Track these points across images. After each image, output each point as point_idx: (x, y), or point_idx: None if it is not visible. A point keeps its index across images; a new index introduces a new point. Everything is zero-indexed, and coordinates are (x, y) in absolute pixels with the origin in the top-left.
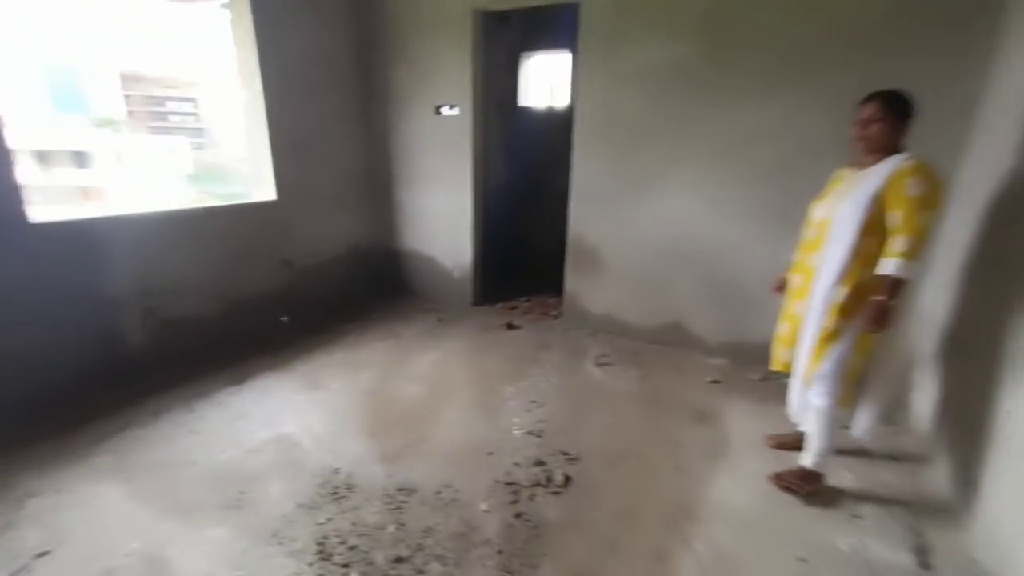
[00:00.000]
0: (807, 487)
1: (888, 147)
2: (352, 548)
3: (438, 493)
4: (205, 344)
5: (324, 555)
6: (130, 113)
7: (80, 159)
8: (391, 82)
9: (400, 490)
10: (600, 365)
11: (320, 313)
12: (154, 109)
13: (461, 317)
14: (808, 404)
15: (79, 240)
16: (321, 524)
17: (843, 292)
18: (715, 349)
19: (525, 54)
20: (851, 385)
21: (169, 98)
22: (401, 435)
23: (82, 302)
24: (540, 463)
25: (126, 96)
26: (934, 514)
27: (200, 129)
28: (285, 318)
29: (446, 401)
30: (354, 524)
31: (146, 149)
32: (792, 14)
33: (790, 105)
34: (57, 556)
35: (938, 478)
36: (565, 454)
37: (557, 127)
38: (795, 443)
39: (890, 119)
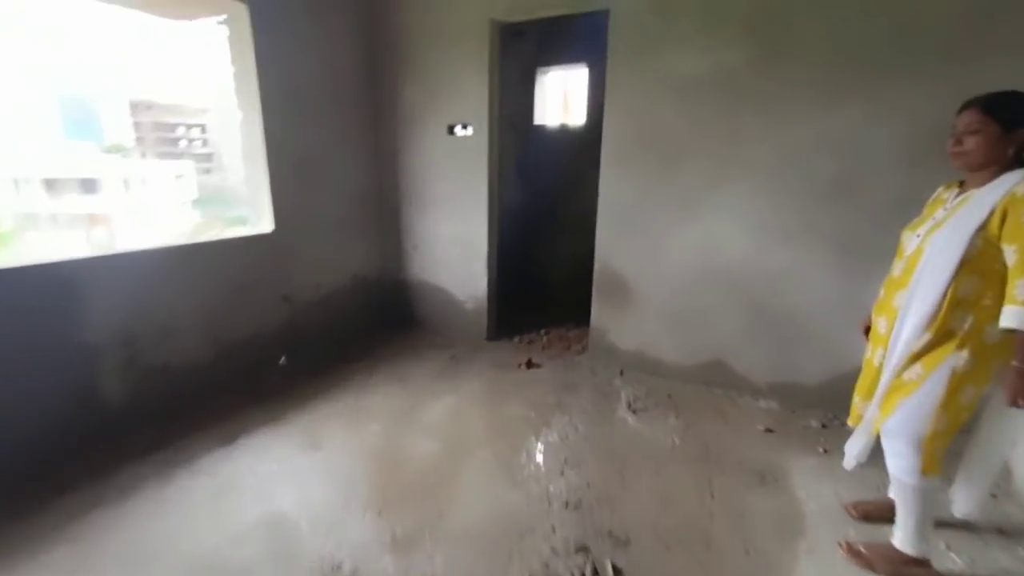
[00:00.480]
0: (904, 571)
1: (996, 163)
2: None
3: None
4: (194, 394)
5: None
6: (140, 140)
7: (88, 186)
8: (400, 100)
9: None
10: (635, 411)
11: (323, 352)
12: (164, 135)
13: (476, 354)
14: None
15: (50, 285)
16: None
17: (926, 339)
18: (763, 390)
19: (540, 70)
20: (937, 449)
21: (179, 124)
22: (415, 510)
23: (52, 353)
24: (582, 548)
25: (136, 123)
26: None
27: (209, 154)
28: (283, 359)
29: (465, 460)
30: None
31: (154, 174)
32: (856, 15)
33: (853, 117)
34: None
35: None
36: (611, 535)
37: (574, 146)
38: (883, 512)
39: (992, 129)
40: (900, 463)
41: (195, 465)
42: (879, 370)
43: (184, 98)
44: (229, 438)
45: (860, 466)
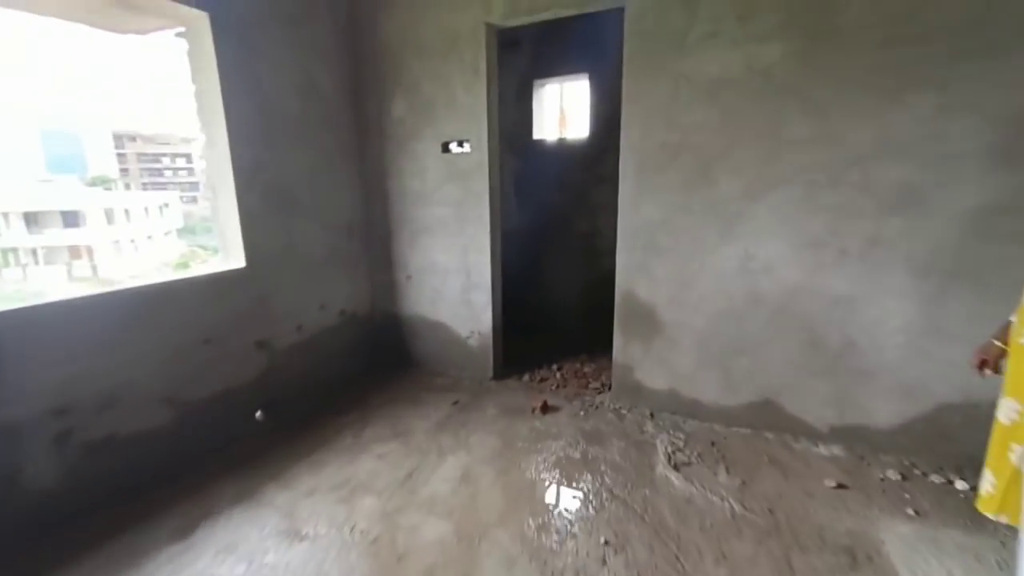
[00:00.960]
0: None
1: None
2: None
3: None
4: (147, 469)
5: None
6: (124, 171)
7: (70, 219)
8: (388, 118)
9: None
10: (677, 466)
11: (306, 403)
12: (148, 166)
13: (482, 397)
14: None
15: None
16: None
17: None
18: (823, 434)
19: (536, 82)
20: None
21: (164, 154)
22: None
23: None
24: None
25: (121, 155)
26: None
27: (195, 182)
28: (260, 415)
29: (481, 547)
30: None
31: (138, 205)
32: None
33: (922, 111)
34: None
35: None
36: None
37: (577, 161)
38: None
39: None
40: None
41: (141, 569)
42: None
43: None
44: (187, 527)
45: (956, 530)
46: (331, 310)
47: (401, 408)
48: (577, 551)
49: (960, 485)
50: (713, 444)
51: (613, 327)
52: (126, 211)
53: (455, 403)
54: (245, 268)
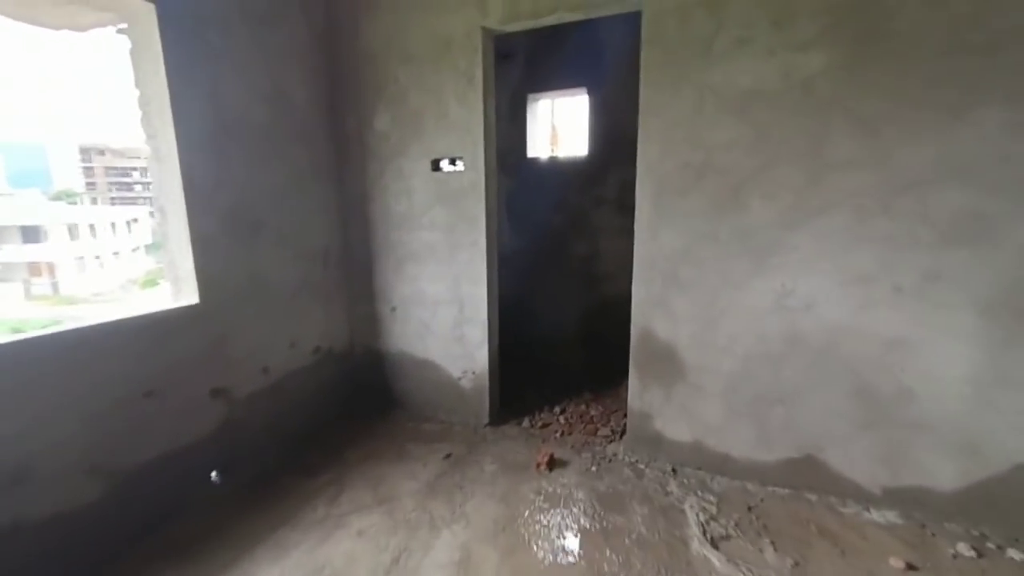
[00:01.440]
0: None
1: None
2: None
3: None
4: (67, 559)
5: None
6: (91, 185)
7: (30, 234)
8: (370, 133)
9: None
10: (714, 541)
11: (273, 460)
12: (118, 180)
13: (478, 449)
14: None
15: None
16: None
17: None
18: (875, 498)
19: (531, 97)
20: None
21: (134, 168)
22: None
23: None
24: None
25: (88, 168)
26: None
27: None
28: (216, 476)
29: None
30: None
31: (105, 220)
32: None
33: (987, 129)
34: None
35: None
36: None
37: (575, 181)
38: None
39: None
40: None
41: None
42: None
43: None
44: None
45: None
46: (303, 348)
47: (384, 464)
48: None
49: None
50: (750, 509)
51: (615, 359)
52: (91, 226)
53: (447, 457)
54: (199, 304)
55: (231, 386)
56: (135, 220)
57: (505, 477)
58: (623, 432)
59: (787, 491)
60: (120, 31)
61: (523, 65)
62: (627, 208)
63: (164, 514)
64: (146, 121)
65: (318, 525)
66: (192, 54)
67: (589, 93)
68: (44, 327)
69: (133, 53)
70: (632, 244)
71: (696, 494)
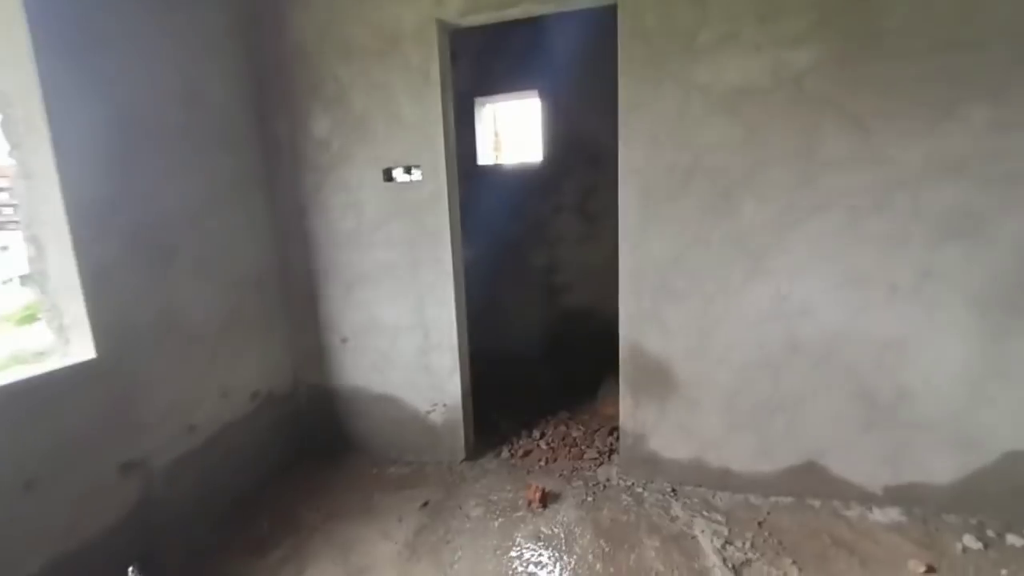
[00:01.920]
0: None
1: None
2: None
3: None
4: None
5: None
6: None
7: None
8: (308, 138)
9: None
10: (736, 569)
11: (209, 538)
12: None
13: (457, 489)
14: None
15: None
16: None
17: None
18: (877, 497)
19: (479, 100)
20: None
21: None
22: None
23: None
24: None
25: None
26: None
27: None
28: (133, 571)
29: None
30: None
31: None
32: None
33: (975, 126)
34: None
35: None
36: None
37: (530, 188)
38: None
39: None
40: None
41: None
42: None
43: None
44: None
45: None
46: (238, 395)
47: (351, 524)
48: None
49: None
50: (760, 525)
51: (583, 372)
52: None
53: (424, 505)
54: (95, 360)
55: (147, 455)
56: (5, 248)
57: (495, 522)
58: (611, 452)
59: (790, 500)
60: None
61: (470, 67)
62: (587, 215)
63: None
64: (8, 127)
65: None
66: (73, 39)
67: (541, 96)
68: None
69: None
70: (593, 252)
71: (702, 515)
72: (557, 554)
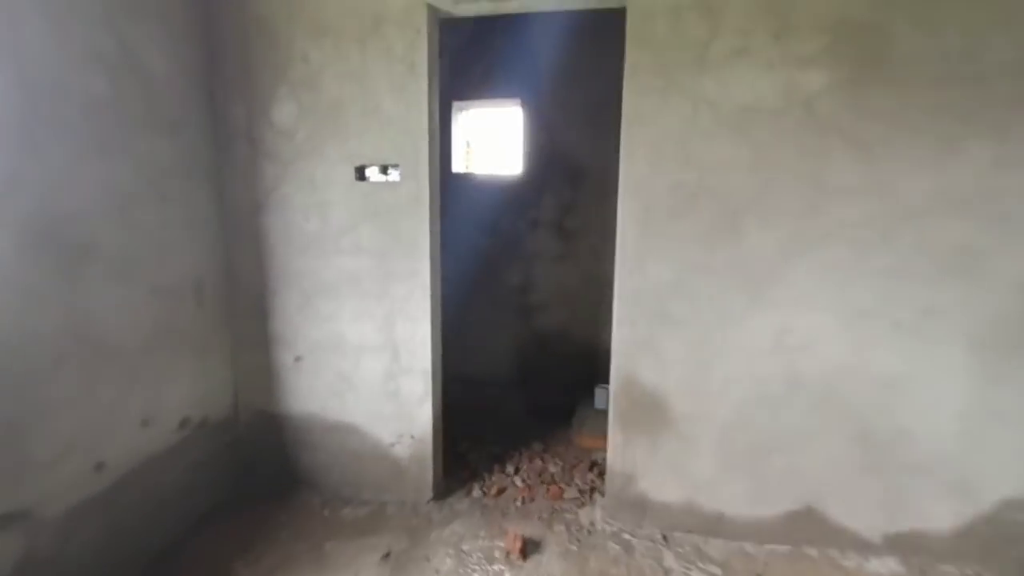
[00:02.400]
0: None
1: None
2: None
3: None
4: None
5: None
6: None
7: None
8: (267, 126)
9: None
10: None
11: None
12: None
13: (424, 537)
14: None
15: None
16: None
17: None
18: (875, 546)
19: (457, 104)
20: None
21: None
22: None
23: None
24: None
25: None
26: None
27: None
28: None
29: None
30: None
31: None
32: (980, 26)
33: (980, 162)
34: None
35: None
36: None
37: (507, 202)
38: None
39: None
40: None
41: None
42: None
43: None
44: None
45: None
46: (163, 423)
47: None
48: None
49: None
50: None
51: (557, 398)
52: None
53: (386, 557)
54: None
55: (34, 504)
56: None
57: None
58: (592, 490)
59: (787, 548)
60: None
61: (448, 67)
62: (566, 232)
63: None
64: None
65: None
66: None
67: (523, 105)
68: None
69: None
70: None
71: (697, 566)
72: None
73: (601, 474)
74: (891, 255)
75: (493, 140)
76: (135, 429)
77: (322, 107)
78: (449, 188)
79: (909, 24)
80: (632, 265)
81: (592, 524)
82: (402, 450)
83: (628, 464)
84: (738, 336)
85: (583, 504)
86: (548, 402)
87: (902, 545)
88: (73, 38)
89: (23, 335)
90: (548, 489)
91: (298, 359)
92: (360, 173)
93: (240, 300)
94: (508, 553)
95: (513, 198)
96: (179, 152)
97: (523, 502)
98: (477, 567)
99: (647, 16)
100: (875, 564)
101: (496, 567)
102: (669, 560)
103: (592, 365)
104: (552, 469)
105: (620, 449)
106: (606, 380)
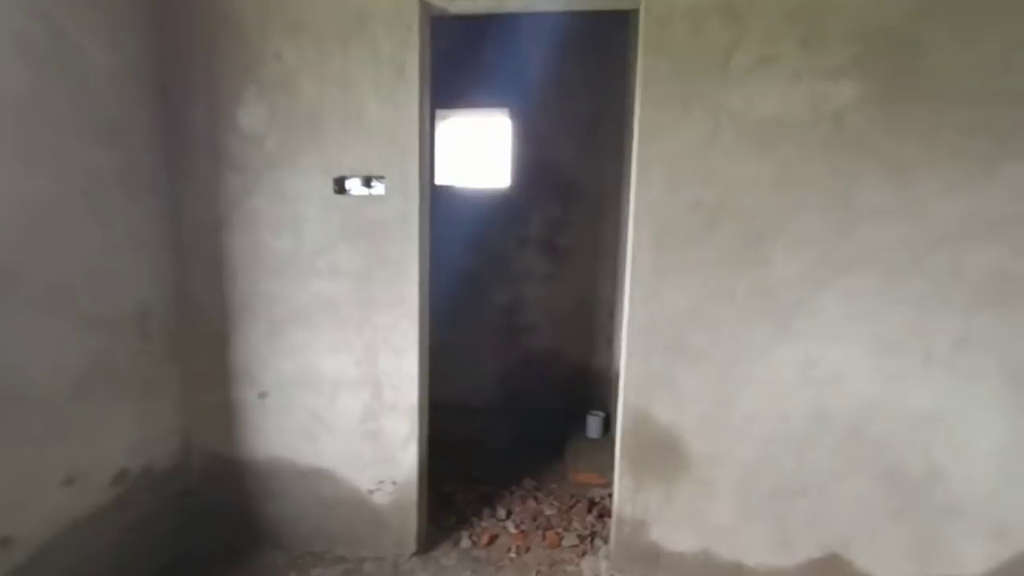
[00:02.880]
0: None
1: None
2: None
3: None
4: None
5: None
6: None
7: None
8: (233, 128)
9: None
10: None
11: None
12: None
13: None
14: None
15: None
16: None
17: None
18: None
19: (440, 112)
20: None
21: None
22: None
23: None
24: None
25: None
26: None
27: None
28: None
29: None
30: None
31: None
32: (1014, 41)
33: (1015, 185)
34: None
35: None
36: None
37: (493, 218)
38: None
39: None
40: None
41: None
42: None
43: None
44: None
45: None
46: (93, 479)
47: None
48: None
49: None
50: None
51: (545, 427)
52: None
53: None
54: None
55: None
56: None
57: None
58: (593, 535)
59: None
60: None
61: (431, 71)
62: (556, 250)
63: None
64: None
65: None
66: None
67: (511, 116)
68: None
69: None
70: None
71: None
72: None
73: (601, 516)
74: (923, 281)
75: (478, 151)
76: (55, 489)
77: (297, 111)
78: (432, 202)
79: (946, 34)
80: (646, 291)
81: (594, 574)
82: (382, 498)
83: (640, 511)
84: (761, 369)
85: (584, 552)
86: (537, 430)
87: None
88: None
89: None
90: (544, 535)
91: (263, 395)
92: (340, 186)
93: (195, 330)
94: None
95: (500, 214)
96: (123, 160)
97: (518, 552)
98: None
99: (664, 20)
100: None
101: None
102: None
103: (583, 390)
104: (548, 511)
105: (630, 495)
106: (597, 406)
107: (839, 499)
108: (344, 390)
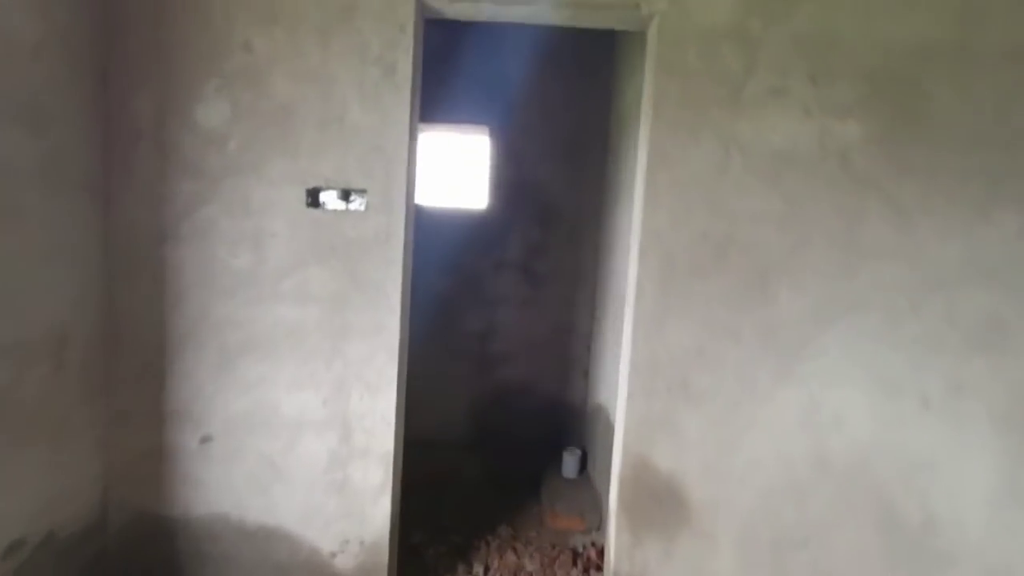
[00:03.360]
0: None
1: None
2: None
3: None
4: None
5: None
6: None
7: None
8: (188, 124)
9: None
10: None
11: None
12: None
13: None
14: None
15: None
16: None
17: None
18: None
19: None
20: None
21: None
22: None
23: None
24: None
25: None
26: None
27: None
28: None
29: None
30: None
31: None
32: (1009, 90)
33: (1006, 231)
34: None
35: None
36: None
37: (468, 240)
38: None
39: None
40: None
41: None
42: None
43: None
44: None
45: None
46: None
47: None
48: None
49: None
50: None
51: (521, 461)
52: None
53: None
54: None
55: None
56: None
57: None
58: None
59: None
60: None
61: None
62: (534, 276)
63: None
64: None
65: None
66: None
67: (491, 135)
68: None
69: None
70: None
71: None
72: None
73: (586, 570)
74: (921, 325)
75: (455, 169)
76: None
77: (266, 111)
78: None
79: (945, 80)
80: (650, 328)
81: None
82: (346, 561)
83: (637, 568)
84: (765, 411)
85: None
86: (510, 466)
87: None
88: None
89: None
90: None
91: (205, 440)
92: (313, 198)
93: (125, 360)
94: None
95: (476, 235)
96: (45, 150)
97: None
98: None
99: (678, 42)
100: None
101: None
102: None
103: (558, 424)
104: (529, 567)
105: (627, 550)
106: (573, 442)
107: (839, 550)
108: (307, 433)
